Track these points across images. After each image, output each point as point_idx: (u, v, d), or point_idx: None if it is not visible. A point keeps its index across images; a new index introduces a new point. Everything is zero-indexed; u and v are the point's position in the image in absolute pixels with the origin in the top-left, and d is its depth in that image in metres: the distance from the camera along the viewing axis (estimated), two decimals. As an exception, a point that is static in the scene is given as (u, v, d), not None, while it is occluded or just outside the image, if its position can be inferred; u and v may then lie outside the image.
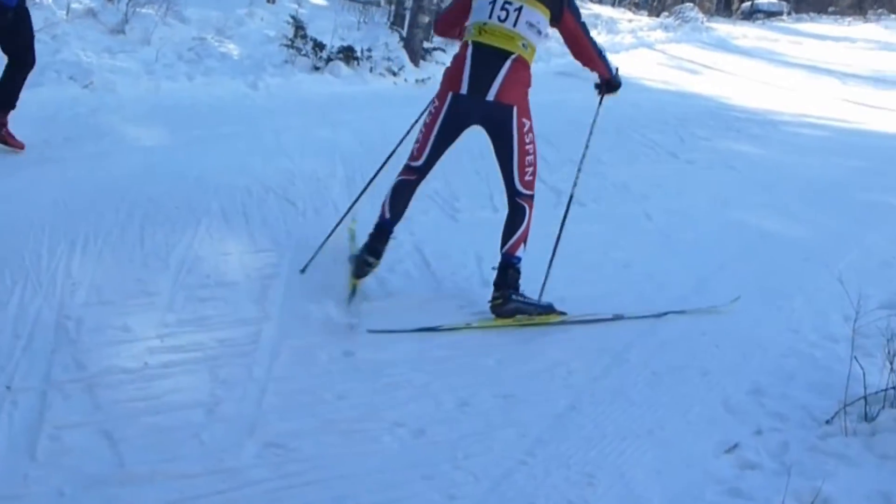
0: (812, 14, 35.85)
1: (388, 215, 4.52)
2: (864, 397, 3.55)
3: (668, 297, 4.85)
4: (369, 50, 11.49)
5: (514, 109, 4.34)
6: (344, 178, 6.55)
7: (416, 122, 4.77)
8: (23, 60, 5.91)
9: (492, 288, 4.46)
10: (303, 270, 4.71)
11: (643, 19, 24.42)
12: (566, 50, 4.74)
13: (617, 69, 4.91)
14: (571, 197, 4.88)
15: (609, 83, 4.85)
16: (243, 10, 12.35)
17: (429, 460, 3.15)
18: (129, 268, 4.50)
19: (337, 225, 5.03)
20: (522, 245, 4.47)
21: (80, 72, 8.08)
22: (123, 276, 4.40)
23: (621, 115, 8.32)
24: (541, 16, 4.40)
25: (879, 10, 35.54)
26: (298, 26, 11.26)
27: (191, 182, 5.99)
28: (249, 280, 4.59)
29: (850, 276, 4.84)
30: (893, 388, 3.53)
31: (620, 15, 24.37)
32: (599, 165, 7.05)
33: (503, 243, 4.49)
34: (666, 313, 4.59)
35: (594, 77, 4.89)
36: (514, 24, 4.34)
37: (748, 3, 34.89)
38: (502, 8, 4.35)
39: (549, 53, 12.62)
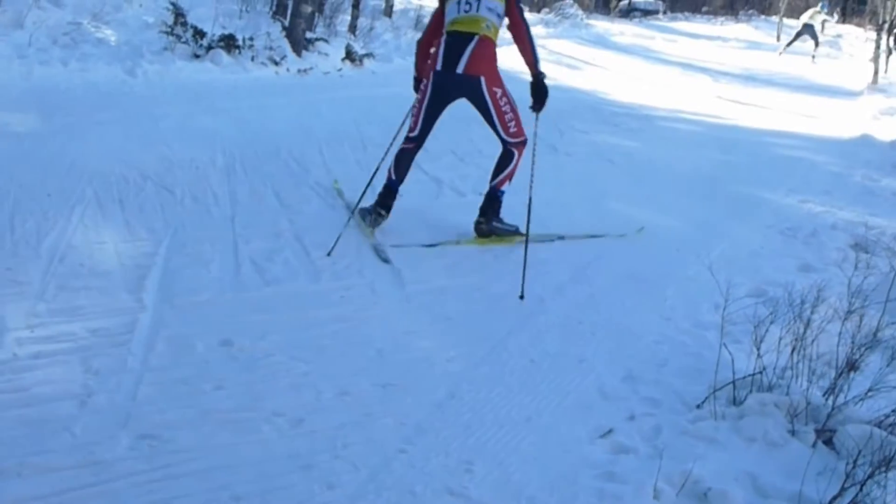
0: (686, 13, 36.75)
1: (394, 177, 5.56)
2: (733, 382, 3.66)
3: (546, 284, 4.92)
4: (251, 39, 11.34)
5: (482, 80, 5.28)
6: (223, 166, 6.47)
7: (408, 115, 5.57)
8: None
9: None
10: (329, 253, 4.97)
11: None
12: None
13: (544, 75, 5.47)
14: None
15: (537, 83, 5.41)
16: (121, -5, 12.00)
17: (308, 450, 3.13)
18: (-3, 256, 4.35)
19: (354, 208, 5.53)
20: (508, 182, 5.55)
21: (-55, 54, 7.77)
22: (-9, 264, 4.24)
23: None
24: (497, 2, 5.38)
25: (750, 11, 36.61)
26: (178, 13, 11.02)
27: (64, 169, 5.82)
28: (125, 269, 4.49)
29: (720, 265, 5.02)
30: (760, 372, 3.65)
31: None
32: (479, 157, 7.14)
33: (492, 178, 5.56)
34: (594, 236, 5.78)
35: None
36: (477, 10, 5.33)
37: (625, 2, 35.59)
38: (467, 2, 5.35)
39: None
